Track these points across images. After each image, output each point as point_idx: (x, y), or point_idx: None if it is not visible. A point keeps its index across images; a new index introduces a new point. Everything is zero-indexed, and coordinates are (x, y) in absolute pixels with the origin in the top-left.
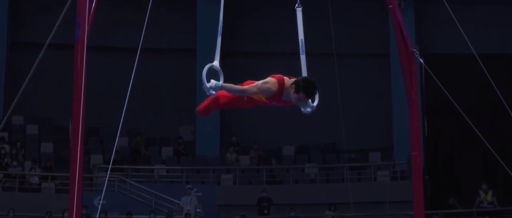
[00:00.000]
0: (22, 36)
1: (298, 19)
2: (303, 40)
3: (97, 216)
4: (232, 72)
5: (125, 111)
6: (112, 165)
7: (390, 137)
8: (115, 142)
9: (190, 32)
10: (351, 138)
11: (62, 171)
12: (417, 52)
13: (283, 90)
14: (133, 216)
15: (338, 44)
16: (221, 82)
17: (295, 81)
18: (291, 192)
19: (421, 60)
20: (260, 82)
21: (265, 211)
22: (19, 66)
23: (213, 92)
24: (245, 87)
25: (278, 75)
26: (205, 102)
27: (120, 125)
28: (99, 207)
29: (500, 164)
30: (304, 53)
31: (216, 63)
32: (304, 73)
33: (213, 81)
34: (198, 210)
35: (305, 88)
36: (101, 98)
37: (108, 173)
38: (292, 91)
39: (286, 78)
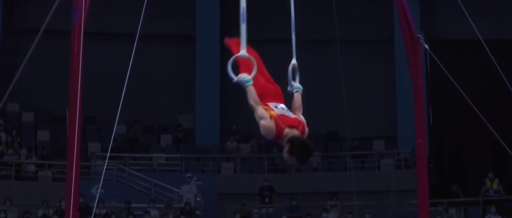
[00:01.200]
0: (17, 22)
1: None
2: (294, 19)
3: (95, 205)
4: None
5: (123, 98)
6: (110, 153)
7: (394, 125)
8: (113, 130)
9: (190, 19)
10: (355, 126)
11: (59, 159)
12: (422, 38)
13: (281, 135)
14: (132, 205)
15: (342, 31)
16: (252, 76)
17: (291, 140)
18: (293, 180)
19: (426, 46)
20: (260, 113)
21: (267, 200)
22: (14, 53)
23: (249, 82)
24: (258, 108)
25: (276, 118)
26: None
27: (118, 113)
28: (97, 196)
29: (508, 153)
30: (295, 33)
31: (243, 52)
32: (294, 55)
33: (242, 75)
34: (198, 199)
35: (299, 154)
36: (99, 85)
37: (106, 161)
38: (286, 148)
39: (286, 124)
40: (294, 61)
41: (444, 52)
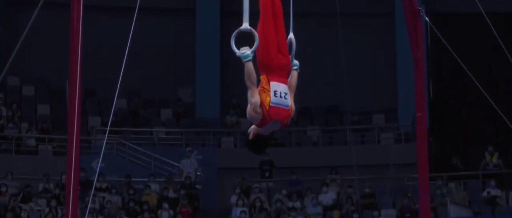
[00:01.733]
0: None
1: None
2: None
3: (95, 179)
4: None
5: (123, 71)
6: (110, 127)
7: (395, 98)
8: (112, 104)
9: None
10: (355, 100)
11: (59, 133)
12: (423, 11)
13: (262, 127)
14: (132, 179)
15: (342, 4)
16: (253, 50)
17: (256, 137)
18: (293, 155)
19: (427, 19)
20: (253, 99)
21: (267, 174)
22: (13, 26)
23: (251, 56)
24: (252, 88)
25: (266, 112)
26: None
27: (118, 86)
28: (97, 169)
29: (508, 127)
30: (292, 7)
31: (245, 25)
32: (291, 28)
33: (245, 49)
34: (198, 173)
35: (251, 149)
36: (98, 58)
37: (106, 135)
38: (249, 136)
39: (273, 119)
40: (291, 35)
41: (445, 25)
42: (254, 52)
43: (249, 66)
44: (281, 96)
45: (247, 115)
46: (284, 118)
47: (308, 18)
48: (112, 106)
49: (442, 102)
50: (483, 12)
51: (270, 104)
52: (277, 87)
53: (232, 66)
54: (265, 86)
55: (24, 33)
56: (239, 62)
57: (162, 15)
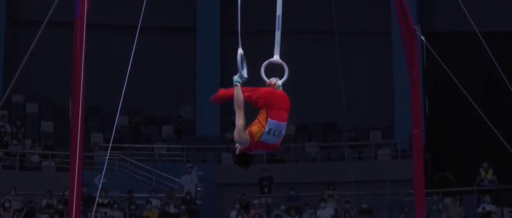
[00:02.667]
0: (21, 14)
1: None
2: (280, 17)
3: (98, 194)
4: (233, 52)
5: (125, 89)
6: (112, 143)
7: (391, 115)
8: (115, 121)
9: (190, 10)
10: (352, 116)
11: (62, 149)
12: (419, 30)
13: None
14: (134, 195)
15: (340, 22)
16: (240, 75)
17: (241, 153)
18: (292, 171)
19: (422, 38)
20: (238, 127)
21: (266, 190)
22: (18, 44)
23: (239, 83)
24: (239, 112)
25: (253, 143)
26: (223, 93)
27: (120, 103)
28: (100, 185)
29: (502, 143)
30: (280, 30)
31: (276, 57)
32: (277, 50)
33: (238, 75)
34: (198, 188)
35: (237, 163)
36: (101, 76)
37: (109, 151)
38: (236, 151)
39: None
40: (276, 57)
41: (441, 44)
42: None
43: (237, 91)
44: (274, 135)
45: (235, 137)
46: (269, 150)
47: (307, 36)
48: (114, 123)
49: (438, 119)
50: (478, 32)
51: (260, 139)
52: (274, 126)
53: (232, 84)
54: (262, 122)
55: (28, 51)
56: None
57: (164, 33)
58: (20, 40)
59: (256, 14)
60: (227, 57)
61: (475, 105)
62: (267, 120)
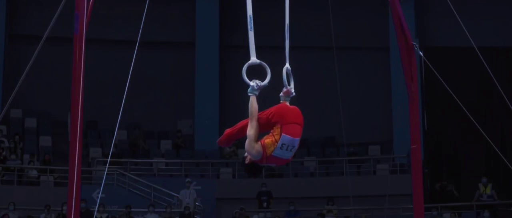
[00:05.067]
0: (20, 29)
1: (286, 5)
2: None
3: (96, 209)
4: (232, 66)
5: (123, 104)
6: (111, 158)
7: (390, 130)
8: (113, 135)
9: (189, 25)
10: (351, 131)
11: (60, 164)
12: (417, 45)
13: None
14: (132, 210)
15: (338, 38)
16: (265, 82)
17: (251, 164)
18: (290, 185)
19: (421, 53)
20: (249, 134)
21: (265, 205)
22: (17, 59)
23: (256, 92)
24: (252, 121)
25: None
26: (229, 132)
27: (119, 118)
28: (98, 200)
29: (501, 158)
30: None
31: (253, 59)
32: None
33: (256, 82)
34: (197, 203)
35: (246, 172)
36: (100, 91)
37: (107, 166)
38: (245, 160)
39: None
40: (287, 65)
41: (439, 59)
42: (259, 88)
43: (252, 100)
44: (287, 150)
45: (246, 148)
46: (280, 164)
47: (306, 51)
48: (113, 137)
49: (436, 134)
50: (475, 47)
51: (272, 154)
52: (287, 141)
53: (230, 99)
54: (276, 137)
55: (27, 66)
56: (237, 94)
57: (163, 48)
58: (19, 55)
59: (258, 29)
60: (225, 72)
61: (474, 121)
62: (281, 134)
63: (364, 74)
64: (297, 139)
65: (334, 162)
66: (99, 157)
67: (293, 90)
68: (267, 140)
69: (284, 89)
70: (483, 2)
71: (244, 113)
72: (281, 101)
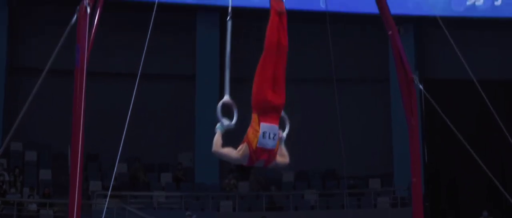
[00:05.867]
0: (21, 61)
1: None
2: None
3: None
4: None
5: (124, 136)
6: (111, 191)
7: (390, 163)
8: (114, 168)
9: (190, 57)
10: (351, 164)
11: (60, 197)
12: (416, 78)
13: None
14: None
15: (338, 70)
16: (232, 123)
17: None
18: None
19: (420, 86)
20: (233, 152)
21: None
22: (17, 92)
23: (222, 130)
24: (218, 153)
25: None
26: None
27: (119, 151)
28: None
29: (502, 191)
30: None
31: (226, 97)
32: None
33: (223, 121)
34: None
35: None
36: (100, 124)
37: (107, 199)
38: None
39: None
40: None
41: (439, 91)
42: (225, 127)
43: (217, 136)
44: (269, 138)
45: (236, 158)
46: (269, 157)
47: (305, 84)
48: (113, 170)
49: (437, 167)
50: (475, 79)
51: (257, 145)
52: (267, 128)
53: (231, 132)
54: (255, 127)
55: (28, 100)
56: (237, 127)
57: (163, 80)
58: (20, 87)
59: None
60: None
61: (474, 154)
62: (259, 123)
63: (364, 106)
64: (276, 126)
65: (334, 195)
66: (99, 190)
67: (283, 135)
68: (249, 134)
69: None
70: (484, 34)
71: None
72: None
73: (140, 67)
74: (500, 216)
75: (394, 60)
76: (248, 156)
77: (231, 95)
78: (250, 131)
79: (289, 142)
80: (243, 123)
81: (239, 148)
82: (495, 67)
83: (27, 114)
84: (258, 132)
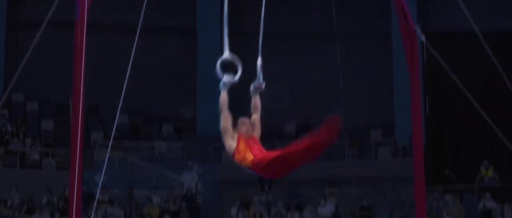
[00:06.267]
0: (22, 14)
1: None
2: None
3: (98, 192)
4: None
5: (125, 88)
6: (112, 141)
7: (391, 114)
8: (115, 120)
9: (191, 11)
10: (353, 115)
11: (62, 147)
12: (419, 31)
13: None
14: (134, 192)
15: (340, 23)
16: (235, 79)
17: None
18: None
19: (423, 39)
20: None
21: (266, 188)
22: (18, 44)
23: (226, 88)
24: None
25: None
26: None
27: (120, 103)
28: (100, 183)
29: (502, 141)
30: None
31: (226, 54)
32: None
33: (227, 79)
34: (199, 186)
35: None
36: (101, 76)
37: (109, 149)
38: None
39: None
40: (259, 60)
41: (441, 44)
42: (228, 85)
43: (222, 95)
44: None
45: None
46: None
47: (307, 37)
48: (114, 122)
49: (438, 118)
50: (478, 32)
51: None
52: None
53: (233, 84)
54: (244, 161)
55: (28, 51)
56: (240, 80)
57: (164, 33)
58: (21, 40)
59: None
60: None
61: (476, 104)
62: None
63: (366, 58)
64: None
65: (335, 145)
66: (101, 140)
67: (263, 85)
68: (238, 154)
69: (257, 83)
70: None
71: (245, 97)
72: (251, 94)
73: (140, 20)
74: (501, 165)
75: (396, 12)
76: (231, 153)
77: (234, 50)
78: (240, 154)
79: (291, 94)
80: (248, 78)
81: (231, 142)
82: (498, 19)
83: (28, 66)
84: (243, 163)
